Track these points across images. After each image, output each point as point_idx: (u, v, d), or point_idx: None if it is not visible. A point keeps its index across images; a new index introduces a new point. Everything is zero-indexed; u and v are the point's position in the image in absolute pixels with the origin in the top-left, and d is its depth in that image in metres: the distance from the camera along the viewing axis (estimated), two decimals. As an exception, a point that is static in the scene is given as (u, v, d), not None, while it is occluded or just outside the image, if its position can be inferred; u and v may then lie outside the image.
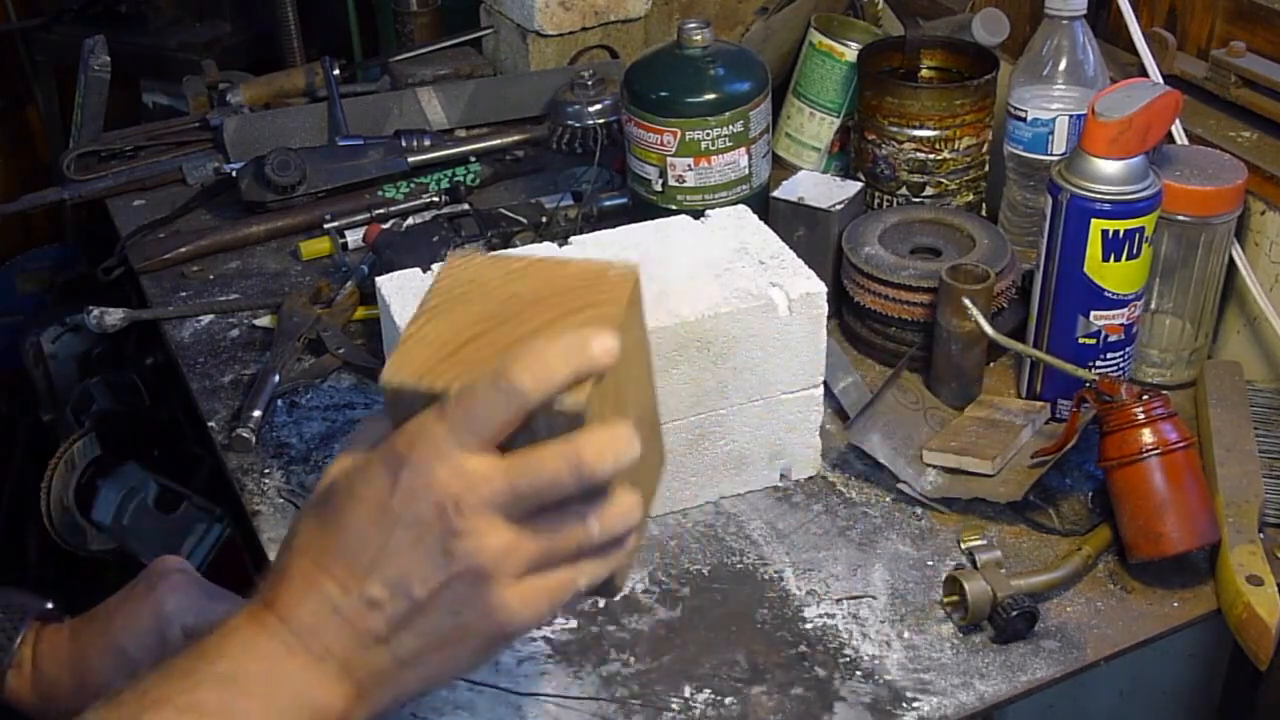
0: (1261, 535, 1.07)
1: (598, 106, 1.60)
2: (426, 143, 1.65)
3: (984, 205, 1.47)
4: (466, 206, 1.53)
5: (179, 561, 0.96)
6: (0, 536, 2.08)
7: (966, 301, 1.19)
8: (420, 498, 0.66)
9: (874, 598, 1.06)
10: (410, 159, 1.63)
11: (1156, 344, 1.29)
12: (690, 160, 1.38)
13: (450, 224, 1.44)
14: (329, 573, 0.68)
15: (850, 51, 1.54)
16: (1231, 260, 1.27)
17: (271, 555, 1.11)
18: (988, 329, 1.19)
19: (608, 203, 1.52)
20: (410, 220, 1.52)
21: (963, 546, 1.09)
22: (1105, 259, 1.13)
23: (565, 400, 0.66)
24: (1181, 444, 1.04)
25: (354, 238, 1.52)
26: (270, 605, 0.68)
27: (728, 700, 0.97)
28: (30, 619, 0.95)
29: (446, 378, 0.68)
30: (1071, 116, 1.33)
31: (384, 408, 0.71)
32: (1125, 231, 1.12)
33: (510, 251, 0.73)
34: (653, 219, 1.20)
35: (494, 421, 0.66)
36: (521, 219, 1.47)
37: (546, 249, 1.15)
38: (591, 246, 1.15)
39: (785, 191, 1.37)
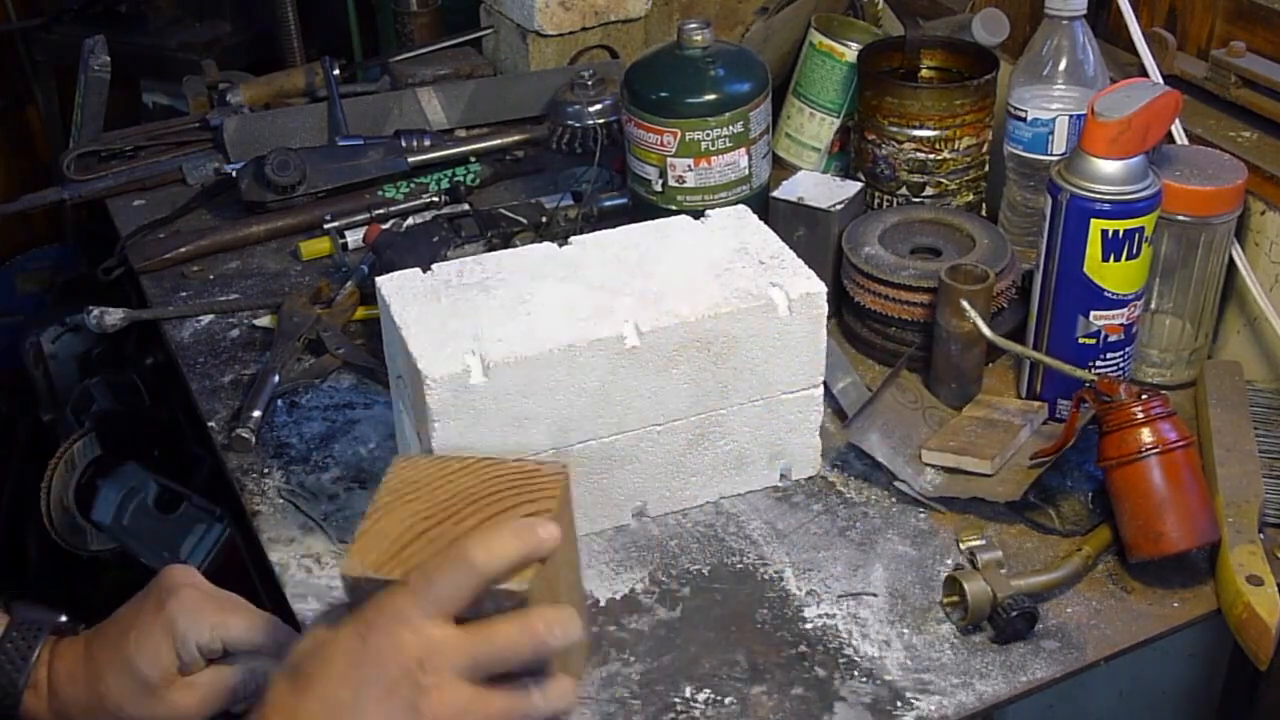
0: (1261, 535, 1.07)
1: (598, 106, 1.60)
2: (426, 143, 1.65)
3: (984, 205, 1.47)
4: (466, 206, 1.53)
5: (187, 573, 0.96)
6: (0, 536, 2.08)
7: (964, 303, 1.19)
8: (389, 659, 0.73)
9: (874, 596, 1.06)
10: (410, 159, 1.63)
11: (1156, 344, 1.29)
12: (690, 161, 1.38)
13: (450, 224, 1.44)
14: None
15: (850, 52, 1.54)
16: (1231, 260, 1.27)
17: (272, 555, 1.11)
18: (985, 331, 1.19)
19: (608, 203, 1.52)
20: (410, 220, 1.52)
21: (963, 546, 1.09)
22: (1105, 259, 1.13)
23: (511, 582, 0.76)
24: (1180, 443, 1.04)
25: (354, 238, 1.52)
26: None
27: (728, 700, 0.97)
28: (45, 634, 0.95)
29: (401, 569, 0.77)
30: (1071, 116, 1.32)
31: (345, 595, 0.79)
32: (1125, 231, 1.12)
33: (447, 453, 0.88)
34: (653, 219, 1.20)
35: (453, 593, 0.74)
36: (521, 219, 1.47)
37: (547, 250, 1.15)
38: (591, 246, 1.15)
39: (785, 191, 1.37)
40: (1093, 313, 1.16)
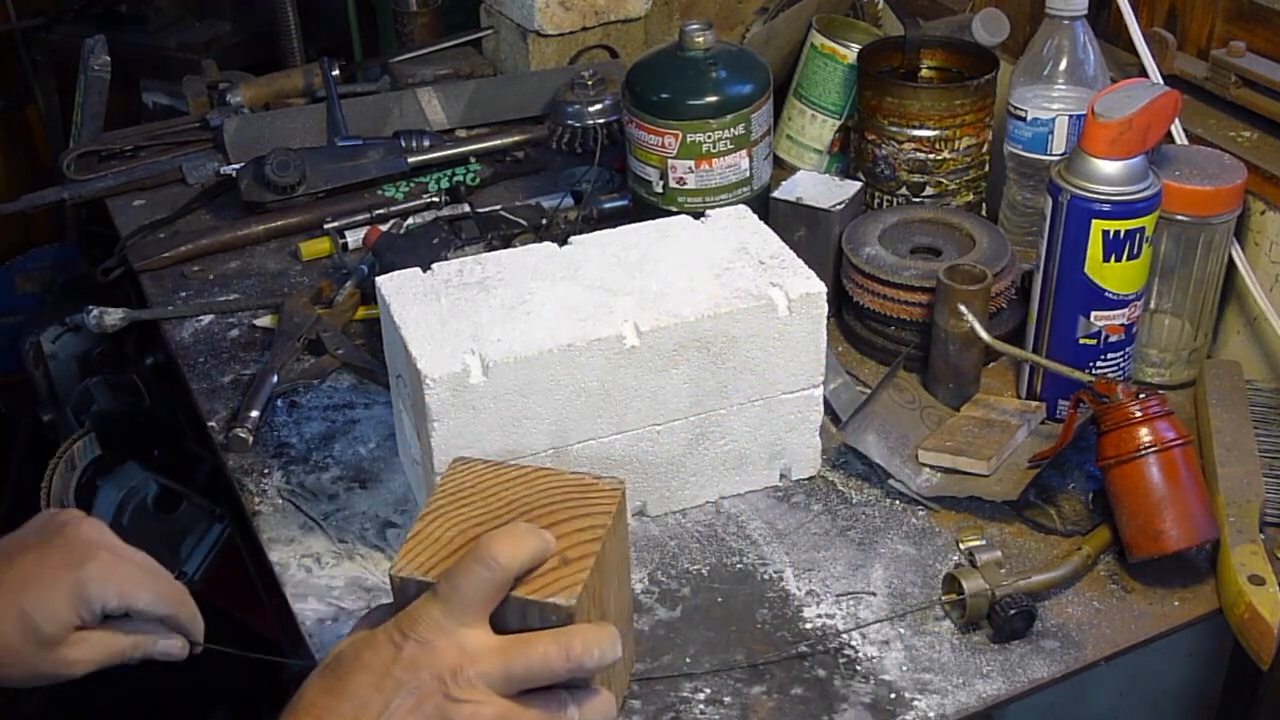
0: (1262, 535, 1.07)
1: (598, 106, 1.60)
2: (426, 143, 1.65)
3: (984, 205, 1.47)
4: (466, 207, 1.53)
5: (99, 529, 0.92)
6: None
7: (961, 307, 1.19)
8: (422, 667, 0.74)
9: (874, 596, 1.06)
10: (410, 159, 1.63)
11: (1156, 344, 1.29)
12: (691, 162, 1.38)
13: (450, 226, 1.44)
14: None
15: (851, 54, 1.54)
16: (1231, 260, 1.27)
17: (272, 555, 1.11)
18: (982, 333, 1.19)
19: (608, 204, 1.52)
20: (410, 221, 1.52)
21: (962, 546, 1.09)
22: (1106, 259, 1.13)
23: (559, 597, 0.76)
24: (1178, 441, 1.04)
25: (354, 238, 1.52)
26: None
27: (727, 700, 0.97)
28: None
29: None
30: (1071, 116, 1.33)
31: (392, 596, 0.80)
32: (1126, 232, 1.12)
33: (506, 462, 0.89)
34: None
35: (479, 593, 0.75)
36: (521, 221, 1.47)
37: (546, 250, 1.15)
38: (591, 246, 1.15)
39: (785, 191, 1.37)
40: (1094, 313, 1.16)
